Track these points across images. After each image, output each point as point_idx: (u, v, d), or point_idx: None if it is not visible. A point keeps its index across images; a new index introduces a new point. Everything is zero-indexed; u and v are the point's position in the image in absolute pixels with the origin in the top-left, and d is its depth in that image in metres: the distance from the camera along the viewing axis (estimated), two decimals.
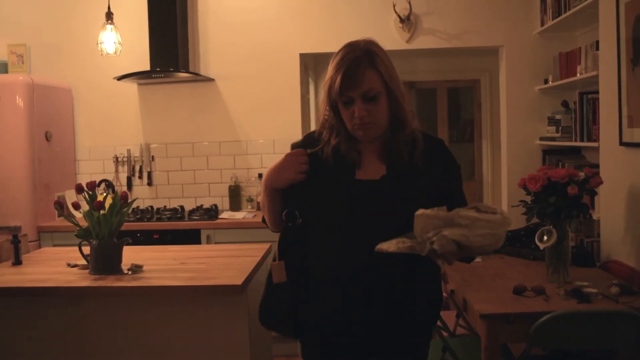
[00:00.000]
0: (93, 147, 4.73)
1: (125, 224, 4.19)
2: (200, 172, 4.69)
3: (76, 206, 2.67)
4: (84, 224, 2.59)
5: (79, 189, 2.62)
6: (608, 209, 3.30)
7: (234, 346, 2.50)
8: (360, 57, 1.66)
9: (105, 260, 2.57)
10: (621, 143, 3.07)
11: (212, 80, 4.61)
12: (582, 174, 2.79)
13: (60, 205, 2.64)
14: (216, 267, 2.69)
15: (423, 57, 6.14)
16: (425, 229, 1.57)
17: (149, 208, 4.48)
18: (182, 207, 4.48)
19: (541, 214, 2.82)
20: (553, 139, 4.23)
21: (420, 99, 6.68)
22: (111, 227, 2.55)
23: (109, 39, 4.06)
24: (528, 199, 2.88)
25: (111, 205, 2.56)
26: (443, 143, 1.86)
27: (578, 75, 3.75)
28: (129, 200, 2.63)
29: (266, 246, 3.16)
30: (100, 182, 4.56)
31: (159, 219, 4.27)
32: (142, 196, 4.70)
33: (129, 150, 4.71)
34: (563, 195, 2.73)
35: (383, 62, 1.67)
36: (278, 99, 4.61)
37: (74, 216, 2.75)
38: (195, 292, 2.39)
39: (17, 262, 2.85)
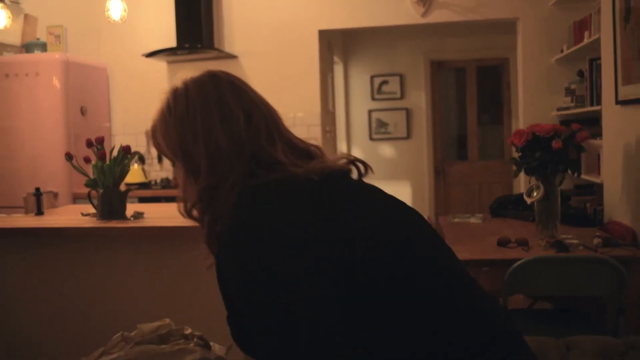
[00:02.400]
0: (127, 122, 5.03)
1: (152, 191, 4.48)
2: None
3: (87, 160, 2.91)
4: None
5: (89, 144, 2.86)
6: (609, 171, 3.31)
7: None
8: None
9: (110, 207, 2.79)
10: (617, 102, 3.08)
11: (235, 57, 4.83)
12: (567, 129, 2.83)
13: (69, 156, 2.88)
14: None
15: (451, 37, 6.19)
16: None
17: None
18: None
19: (529, 170, 2.88)
20: (568, 108, 4.23)
21: (449, 78, 6.71)
22: (115, 176, 2.78)
23: (115, 7, 4.24)
24: None
25: (114, 158, 2.78)
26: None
27: (585, 40, 3.76)
28: (131, 153, 2.84)
29: None
30: (133, 153, 4.84)
31: None
32: (171, 168, 4.96)
33: None
34: (548, 149, 2.78)
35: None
36: (298, 76, 4.78)
37: (81, 166, 2.98)
38: (185, 231, 2.58)
39: (39, 212, 3.12)
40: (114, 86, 5.07)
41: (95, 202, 2.86)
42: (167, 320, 1.36)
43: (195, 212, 1.21)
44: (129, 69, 5.03)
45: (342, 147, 6.40)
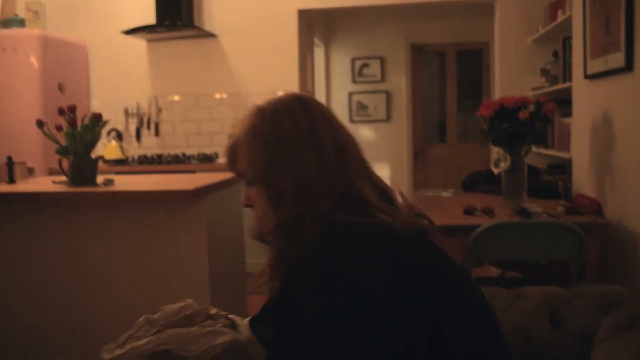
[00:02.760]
0: (106, 100, 5.03)
1: (129, 167, 4.48)
2: (203, 123, 4.94)
3: (59, 128, 2.92)
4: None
5: (61, 112, 2.86)
6: (577, 146, 3.37)
7: (193, 254, 2.71)
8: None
9: (80, 174, 2.81)
10: (585, 76, 3.13)
11: (214, 36, 4.84)
12: (534, 101, 2.87)
13: (40, 123, 2.88)
14: (184, 182, 2.90)
15: (431, 20, 6.22)
16: None
17: (155, 156, 4.74)
18: (184, 154, 4.73)
19: (496, 141, 2.92)
20: (542, 88, 4.28)
21: (430, 62, 6.74)
22: (85, 143, 2.79)
23: None
24: None
25: (85, 125, 2.79)
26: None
27: (559, 19, 3.80)
28: (102, 120, 2.85)
29: None
30: (110, 130, 4.85)
31: (160, 164, 4.53)
32: (150, 145, 4.99)
33: (138, 103, 4.99)
34: (515, 121, 2.82)
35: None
36: (276, 54, 4.80)
37: (52, 134, 2.98)
38: (148, 196, 2.61)
39: (11, 181, 3.12)
40: (93, 64, 5.06)
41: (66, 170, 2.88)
42: (190, 301, 1.32)
43: (268, 237, 1.18)
44: (108, 47, 5.02)
45: None
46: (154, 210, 2.74)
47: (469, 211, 2.81)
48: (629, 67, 2.52)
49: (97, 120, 2.82)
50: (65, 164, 2.87)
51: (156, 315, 1.26)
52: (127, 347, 1.17)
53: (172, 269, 2.75)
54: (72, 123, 2.76)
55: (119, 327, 2.77)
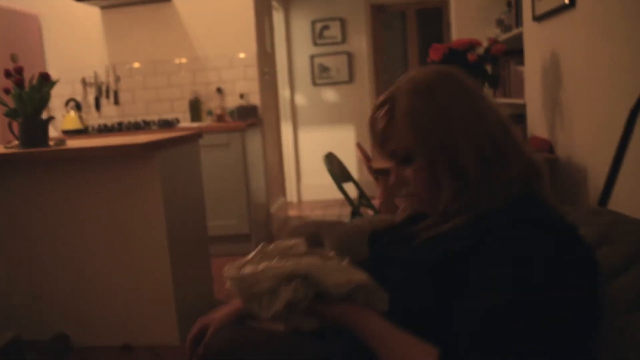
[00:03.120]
0: (62, 70, 4.94)
1: (89, 136, 4.43)
2: (163, 89, 4.89)
3: (7, 91, 2.87)
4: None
5: (7, 74, 2.82)
6: (530, 89, 3.41)
7: (149, 212, 2.72)
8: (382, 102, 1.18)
9: (31, 135, 2.78)
10: (534, 18, 3.16)
11: (169, 0, 4.77)
12: (482, 43, 2.90)
13: None
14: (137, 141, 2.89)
15: None
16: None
17: (116, 125, 4.70)
18: (145, 121, 4.69)
19: None
20: (497, 37, 4.31)
21: (390, 22, 6.75)
22: (34, 104, 2.75)
23: None
24: None
25: (32, 86, 2.75)
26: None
27: None
28: (50, 80, 2.81)
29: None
30: (68, 101, 4.78)
31: (120, 132, 4.49)
32: (110, 114, 4.93)
33: (95, 73, 4.92)
34: (464, 63, 2.85)
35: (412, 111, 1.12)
36: (232, 16, 4.75)
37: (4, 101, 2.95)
38: (98, 152, 2.60)
39: None
40: (47, 34, 4.97)
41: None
42: (299, 241, 1.23)
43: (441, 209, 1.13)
44: (62, 16, 4.93)
45: (285, 94, 6.41)
46: (106, 167, 2.73)
47: None
48: (571, 2, 2.55)
49: (44, 80, 2.79)
50: (16, 127, 2.84)
51: (270, 248, 1.19)
52: (261, 266, 1.08)
53: (129, 228, 2.76)
54: (19, 83, 2.72)
55: (75, 286, 2.79)
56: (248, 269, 1.09)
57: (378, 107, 1.18)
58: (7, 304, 2.83)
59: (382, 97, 1.18)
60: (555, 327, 0.94)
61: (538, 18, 3.09)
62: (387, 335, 1.05)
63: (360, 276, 1.10)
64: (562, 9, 2.67)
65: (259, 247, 1.20)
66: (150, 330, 2.83)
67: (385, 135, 1.16)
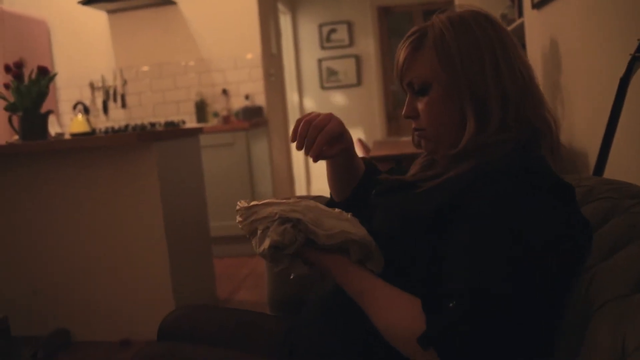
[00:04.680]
0: (71, 75, 5.00)
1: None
2: (169, 92, 4.92)
3: (7, 86, 2.90)
4: None
5: (7, 69, 2.85)
6: None
7: (147, 204, 2.72)
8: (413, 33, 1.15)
9: (31, 128, 2.80)
10: (533, 6, 3.13)
11: (174, 3, 4.82)
12: None
13: None
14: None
15: None
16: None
17: (123, 127, 4.73)
18: (151, 124, 4.72)
19: None
20: None
21: (397, 24, 6.74)
22: (33, 97, 2.78)
23: None
24: None
25: (31, 79, 2.78)
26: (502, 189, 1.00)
27: None
28: (51, 74, 2.84)
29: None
30: (76, 104, 4.83)
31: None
32: (118, 117, 4.98)
33: (102, 76, 4.97)
34: None
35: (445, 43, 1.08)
36: (237, 18, 4.78)
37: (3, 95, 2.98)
38: (95, 142, 2.62)
39: None
40: (55, 39, 5.04)
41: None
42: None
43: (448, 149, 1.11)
44: (69, 21, 5.00)
45: (293, 98, 6.41)
46: (105, 159, 2.74)
47: None
48: None
49: (42, 73, 2.81)
50: (16, 122, 2.87)
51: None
52: (262, 202, 1.09)
53: (127, 220, 2.76)
54: (17, 77, 2.75)
55: (73, 280, 2.79)
56: (255, 203, 1.10)
57: (407, 37, 1.15)
58: (6, 299, 2.84)
59: (413, 29, 1.15)
60: (539, 284, 0.93)
61: (537, 5, 3.06)
62: (371, 289, 1.03)
63: (357, 231, 1.07)
64: None
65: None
66: (149, 325, 2.80)
67: (408, 63, 1.13)
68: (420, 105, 1.13)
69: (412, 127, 1.18)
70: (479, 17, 1.10)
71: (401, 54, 1.14)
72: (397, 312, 0.98)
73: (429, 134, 1.13)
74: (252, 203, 1.10)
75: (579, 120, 2.63)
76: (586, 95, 2.47)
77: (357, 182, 1.33)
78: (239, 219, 1.09)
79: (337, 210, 1.12)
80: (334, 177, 1.34)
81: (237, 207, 1.10)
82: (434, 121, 1.11)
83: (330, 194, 1.41)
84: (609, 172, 1.87)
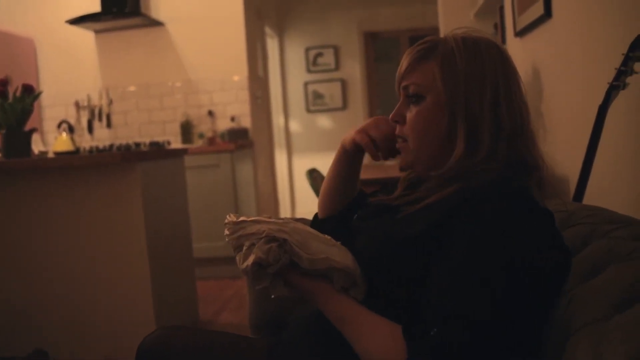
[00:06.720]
0: (57, 93, 5.00)
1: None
2: (156, 112, 4.93)
3: None
4: None
5: None
6: None
7: (130, 223, 2.70)
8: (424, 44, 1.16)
9: (14, 146, 2.79)
10: (515, 34, 3.19)
11: (161, 24, 4.85)
12: None
13: None
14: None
15: (383, 7, 6.29)
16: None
17: (107, 146, 4.71)
18: (136, 144, 4.71)
19: None
20: None
21: (383, 49, 6.83)
22: (17, 115, 2.77)
23: None
24: None
25: (15, 97, 2.77)
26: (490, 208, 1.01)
27: None
28: (36, 93, 2.83)
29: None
30: (60, 123, 4.81)
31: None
32: (103, 137, 4.96)
33: (88, 96, 4.97)
34: None
35: (452, 60, 1.09)
36: (224, 40, 4.82)
37: None
38: (77, 161, 2.61)
39: None
40: (42, 57, 5.04)
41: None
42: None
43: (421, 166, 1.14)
44: (56, 40, 5.00)
45: (279, 121, 6.44)
46: (88, 178, 2.73)
47: None
48: (547, 13, 2.58)
49: (28, 91, 2.81)
50: None
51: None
52: (252, 218, 1.09)
53: (109, 239, 2.74)
54: (2, 94, 2.74)
55: (53, 300, 2.76)
56: (243, 218, 1.10)
57: (417, 45, 1.16)
58: None
59: (425, 39, 1.17)
60: (519, 309, 0.94)
61: (519, 33, 3.12)
62: (353, 316, 1.04)
63: (343, 260, 1.08)
64: (540, 20, 2.70)
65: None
66: (129, 346, 2.77)
67: (410, 68, 1.14)
68: (409, 114, 1.14)
69: (396, 132, 1.19)
70: (491, 47, 1.13)
71: (406, 58, 1.16)
72: (378, 339, 0.99)
73: (410, 145, 1.14)
74: (241, 218, 1.10)
75: (559, 147, 2.67)
76: (567, 122, 2.51)
77: (351, 199, 1.35)
78: (226, 232, 1.10)
79: (327, 236, 1.13)
80: (336, 185, 1.35)
81: (226, 221, 1.11)
82: (418, 132, 1.12)
83: (315, 215, 1.41)
84: (589, 198, 1.90)
